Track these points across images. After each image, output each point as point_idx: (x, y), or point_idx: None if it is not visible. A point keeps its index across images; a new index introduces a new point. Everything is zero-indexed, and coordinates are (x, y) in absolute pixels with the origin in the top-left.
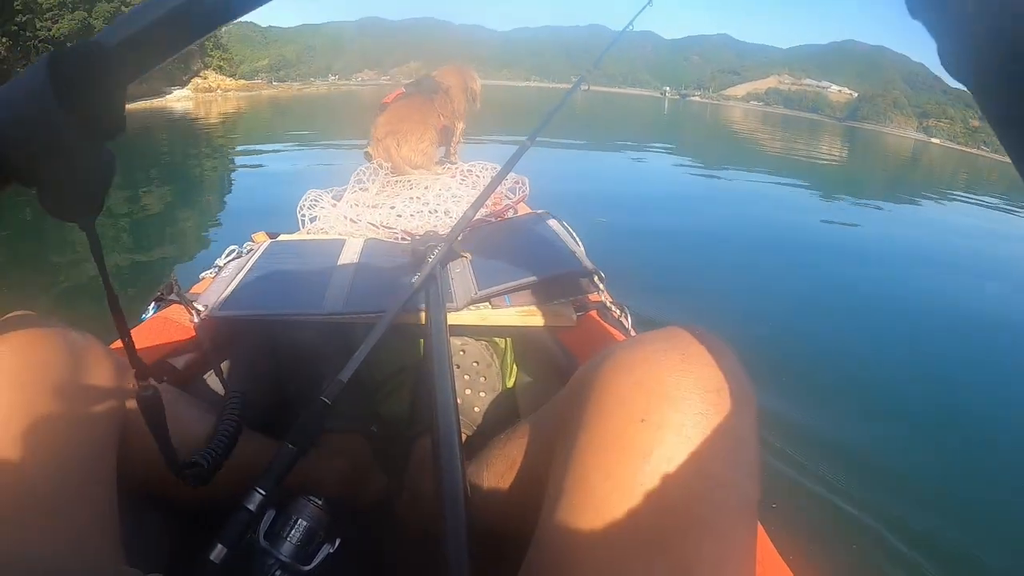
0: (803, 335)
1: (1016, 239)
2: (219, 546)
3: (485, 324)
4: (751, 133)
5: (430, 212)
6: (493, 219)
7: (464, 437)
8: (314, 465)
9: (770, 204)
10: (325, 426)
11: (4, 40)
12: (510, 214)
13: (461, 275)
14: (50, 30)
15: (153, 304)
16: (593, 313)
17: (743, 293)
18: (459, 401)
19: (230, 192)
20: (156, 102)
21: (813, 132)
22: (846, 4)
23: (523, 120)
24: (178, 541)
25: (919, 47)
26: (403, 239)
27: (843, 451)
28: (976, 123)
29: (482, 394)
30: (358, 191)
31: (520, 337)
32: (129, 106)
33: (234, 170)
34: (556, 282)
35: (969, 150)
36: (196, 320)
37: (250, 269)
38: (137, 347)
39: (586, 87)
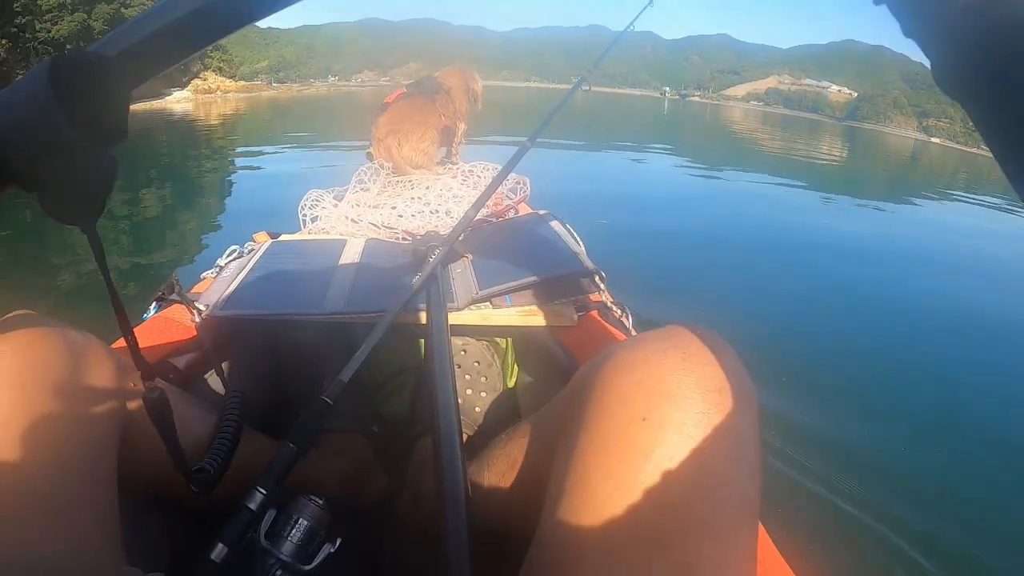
0: (803, 335)
1: (1016, 239)
2: (220, 545)
3: (486, 324)
4: (751, 133)
5: (431, 212)
6: (494, 219)
7: (465, 437)
8: (315, 465)
9: (770, 204)
10: (326, 426)
11: (4, 42)
12: (511, 214)
13: (462, 275)
14: (49, 32)
15: (154, 304)
16: (594, 313)
17: (743, 293)
18: (460, 401)
19: (231, 193)
20: (156, 104)
21: (813, 132)
22: (841, 3)
23: (523, 120)
24: (179, 540)
25: (919, 47)
26: (404, 239)
27: (843, 451)
28: None
29: (483, 394)
30: (359, 191)
31: (521, 337)
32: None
33: (235, 171)
34: (557, 282)
35: (969, 150)
36: (197, 320)
37: (251, 269)
38: (139, 346)
39: (587, 87)
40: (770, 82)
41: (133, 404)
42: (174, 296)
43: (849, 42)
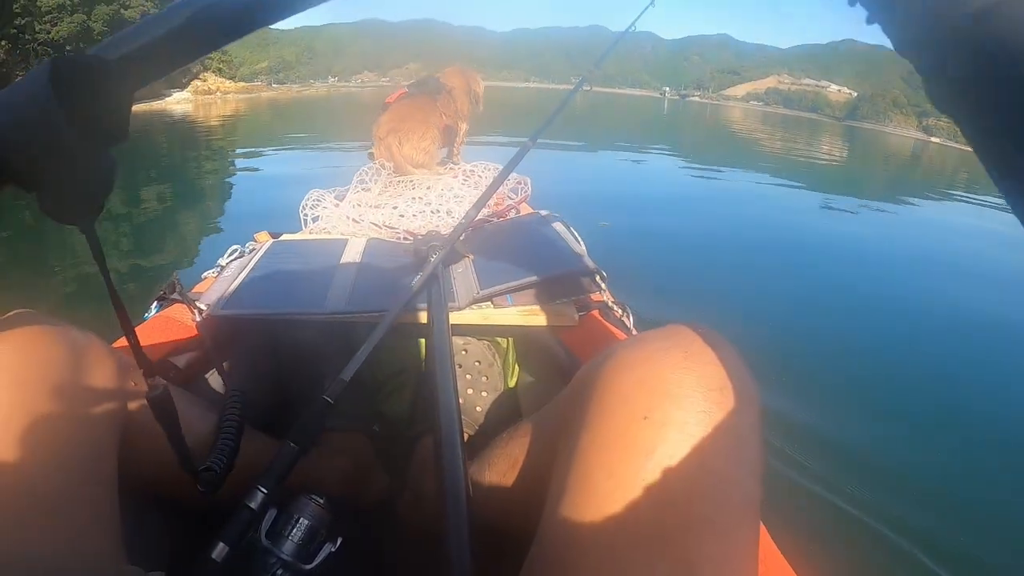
0: (803, 334)
1: (1016, 239)
2: (221, 544)
3: (487, 324)
4: (751, 133)
5: (432, 212)
6: (495, 219)
7: (466, 437)
8: (316, 464)
9: (771, 204)
10: (327, 425)
11: (3, 43)
12: (512, 214)
13: (463, 275)
14: (49, 33)
15: (155, 303)
16: (595, 313)
17: (744, 293)
18: (461, 401)
19: (232, 193)
20: (155, 105)
21: (813, 132)
22: (839, 7)
23: (523, 121)
24: (179, 540)
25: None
26: (405, 239)
27: (844, 450)
28: None
29: (484, 394)
30: (360, 191)
31: (522, 337)
32: None
33: (235, 172)
34: (558, 282)
35: (969, 148)
36: (198, 319)
37: (252, 268)
38: (140, 345)
39: (588, 87)
40: (770, 82)
41: (134, 403)
42: (175, 295)
43: (849, 42)
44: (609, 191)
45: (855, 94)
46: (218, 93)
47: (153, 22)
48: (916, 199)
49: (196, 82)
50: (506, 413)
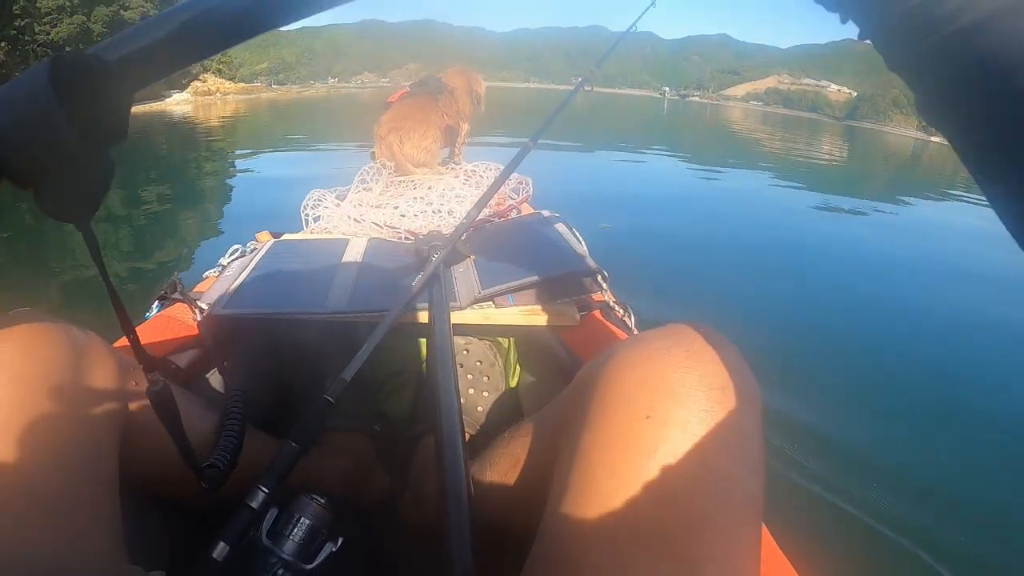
0: (804, 334)
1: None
2: (221, 544)
3: (488, 323)
4: (751, 133)
5: (434, 212)
6: (497, 219)
7: (467, 436)
8: (317, 464)
9: (771, 204)
10: (328, 424)
11: (3, 44)
12: (513, 214)
13: (465, 274)
14: (48, 34)
15: (157, 303)
16: (596, 313)
17: (745, 292)
18: (462, 401)
19: (233, 194)
20: (155, 105)
21: (813, 131)
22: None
23: (523, 121)
24: (180, 539)
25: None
26: (407, 239)
27: (845, 449)
28: None
29: (485, 393)
30: (362, 191)
31: (523, 336)
32: None
33: (236, 172)
34: (559, 281)
35: None
36: (199, 318)
37: (254, 268)
38: (141, 344)
39: (588, 87)
40: (770, 82)
41: (135, 403)
42: (176, 295)
43: (849, 42)
44: (610, 191)
45: (855, 94)
46: (218, 94)
47: (154, 24)
48: (916, 199)
49: (196, 83)
50: (507, 413)
